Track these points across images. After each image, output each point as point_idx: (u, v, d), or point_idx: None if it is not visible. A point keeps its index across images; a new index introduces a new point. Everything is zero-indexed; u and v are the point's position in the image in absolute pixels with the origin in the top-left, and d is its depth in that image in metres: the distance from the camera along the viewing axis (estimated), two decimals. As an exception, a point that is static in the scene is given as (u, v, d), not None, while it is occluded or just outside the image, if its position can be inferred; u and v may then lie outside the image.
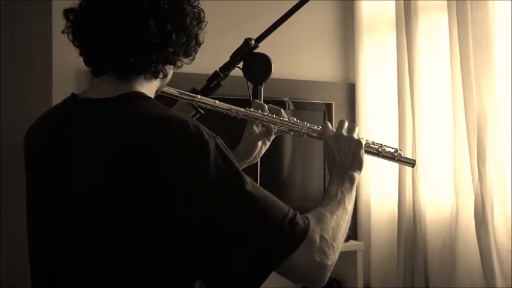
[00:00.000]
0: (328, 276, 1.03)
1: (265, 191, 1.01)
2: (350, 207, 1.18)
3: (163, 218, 0.96)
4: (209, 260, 0.97)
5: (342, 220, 1.12)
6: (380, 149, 1.38)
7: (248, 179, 1.01)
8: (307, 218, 1.03)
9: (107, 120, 1.03)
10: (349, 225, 1.15)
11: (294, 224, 0.99)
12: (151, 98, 1.11)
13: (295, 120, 1.39)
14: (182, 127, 0.98)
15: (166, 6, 1.05)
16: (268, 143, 1.45)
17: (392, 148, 1.40)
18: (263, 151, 1.44)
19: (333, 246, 1.04)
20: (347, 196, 1.19)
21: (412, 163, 1.44)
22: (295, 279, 1.04)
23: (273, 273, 0.99)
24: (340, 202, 1.16)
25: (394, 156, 1.39)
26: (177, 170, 0.96)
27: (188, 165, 0.96)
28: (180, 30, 1.08)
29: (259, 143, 1.42)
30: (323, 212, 1.10)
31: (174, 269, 1.00)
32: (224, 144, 1.01)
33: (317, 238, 1.01)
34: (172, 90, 1.30)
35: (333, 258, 1.03)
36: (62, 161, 1.06)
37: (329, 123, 1.36)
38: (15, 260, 2.08)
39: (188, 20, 1.09)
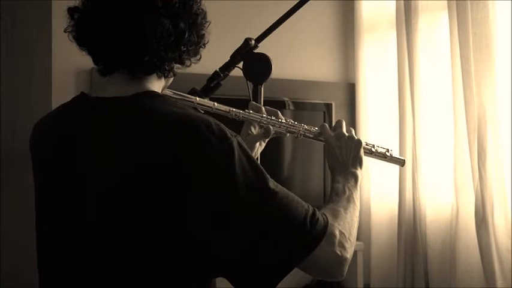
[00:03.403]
0: (347, 269, 1.06)
1: (285, 189, 1.03)
2: (358, 202, 1.21)
3: (189, 217, 0.96)
4: (233, 257, 0.98)
5: (354, 216, 1.16)
6: (373, 149, 1.46)
7: (269, 177, 1.02)
8: (325, 214, 1.06)
9: (126, 119, 1.03)
10: (358, 221, 1.19)
11: (315, 220, 1.02)
12: (165, 96, 1.11)
13: (293, 121, 1.42)
14: (205, 126, 0.98)
15: (178, 5, 1.06)
16: (263, 144, 1.47)
17: (384, 148, 1.47)
18: (259, 152, 1.46)
19: (350, 240, 1.07)
20: (354, 192, 1.22)
21: (401, 162, 1.53)
22: (317, 274, 1.06)
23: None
24: (349, 198, 1.20)
25: (385, 156, 1.47)
26: (203, 168, 0.96)
27: (214, 164, 0.96)
28: (192, 29, 1.09)
29: (257, 143, 1.43)
30: (336, 208, 1.13)
31: (196, 267, 1.00)
32: (244, 143, 1.02)
33: (337, 233, 1.04)
34: (170, 93, 1.29)
35: (350, 251, 1.07)
36: (76, 161, 1.05)
37: (326, 125, 1.40)
38: (15, 260, 2.08)
39: (199, 18, 1.10)
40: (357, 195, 1.22)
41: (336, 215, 1.10)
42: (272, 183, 1.01)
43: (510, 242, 2.43)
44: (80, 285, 1.04)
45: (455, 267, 2.59)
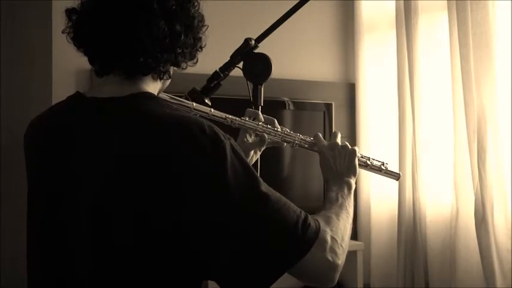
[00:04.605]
0: (338, 276, 1.05)
1: (278, 194, 1.02)
2: (351, 210, 1.21)
3: (179, 218, 0.96)
4: (222, 260, 0.97)
5: (347, 222, 1.15)
6: (368, 162, 1.44)
7: (262, 181, 1.02)
8: (317, 220, 1.05)
9: (120, 119, 1.03)
10: (351, 228, 1.18)
11: (307, 225, 1.01)
12: (159, 98, 1.11)
13: (288, 131, 1.41)
14: (198, 128, 0.98)
15: (174, 7, 1.06)
16: (259, 153, 1.47)
17: (379, 161, 1.46)
18: (253, 160, 1.46)
19: (342, 246, 1.06)
20: (347, 201, 1.22)
21: (397, 176, 1.51)
22: (308, 280, 1.05)
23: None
24: (342, 206, 1.19)
25: (380, 169, 1.46)
26: (195, 171, 0.96)
27: (206, 166, 0.96)
28: (188, 31, 1.09)
29: (251, 152, 1.44)
30: (329, 214, 1.13)
31: (185, 269, 1.00)
32: (237, 145, 1.02)
33: (328, 238, 1.04)
34: (167, 97, 1.29)
35: (342, 258, 1.06)
36: (70, 161, 1.05)
37: (320, 134, 1.41)
38: (15, 260, 2.08)
39: (196, 21, 1.10)
40: (350, 204, 1.22)
41: (328, 221, 1.09)
42: (264, 187, 1.01)
43: (510, 242, 2.43)
44: (72, 284, 1.04)
45: (455, 267, 2.60)
